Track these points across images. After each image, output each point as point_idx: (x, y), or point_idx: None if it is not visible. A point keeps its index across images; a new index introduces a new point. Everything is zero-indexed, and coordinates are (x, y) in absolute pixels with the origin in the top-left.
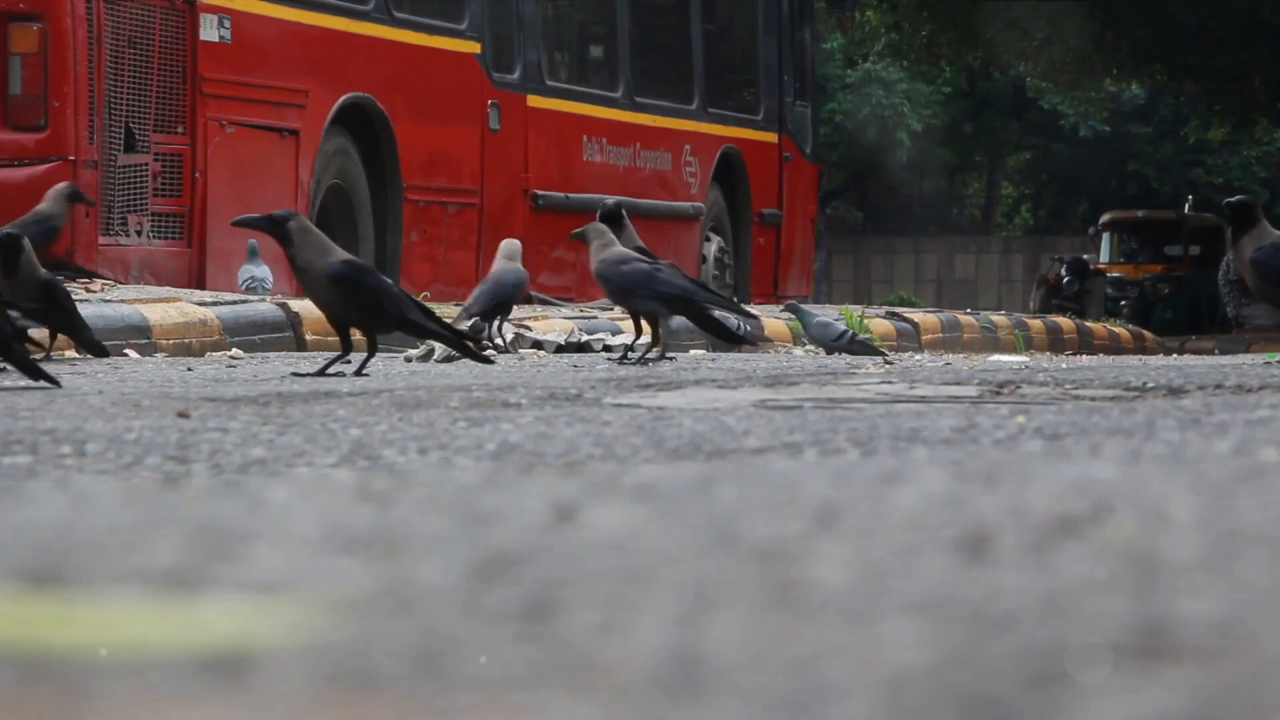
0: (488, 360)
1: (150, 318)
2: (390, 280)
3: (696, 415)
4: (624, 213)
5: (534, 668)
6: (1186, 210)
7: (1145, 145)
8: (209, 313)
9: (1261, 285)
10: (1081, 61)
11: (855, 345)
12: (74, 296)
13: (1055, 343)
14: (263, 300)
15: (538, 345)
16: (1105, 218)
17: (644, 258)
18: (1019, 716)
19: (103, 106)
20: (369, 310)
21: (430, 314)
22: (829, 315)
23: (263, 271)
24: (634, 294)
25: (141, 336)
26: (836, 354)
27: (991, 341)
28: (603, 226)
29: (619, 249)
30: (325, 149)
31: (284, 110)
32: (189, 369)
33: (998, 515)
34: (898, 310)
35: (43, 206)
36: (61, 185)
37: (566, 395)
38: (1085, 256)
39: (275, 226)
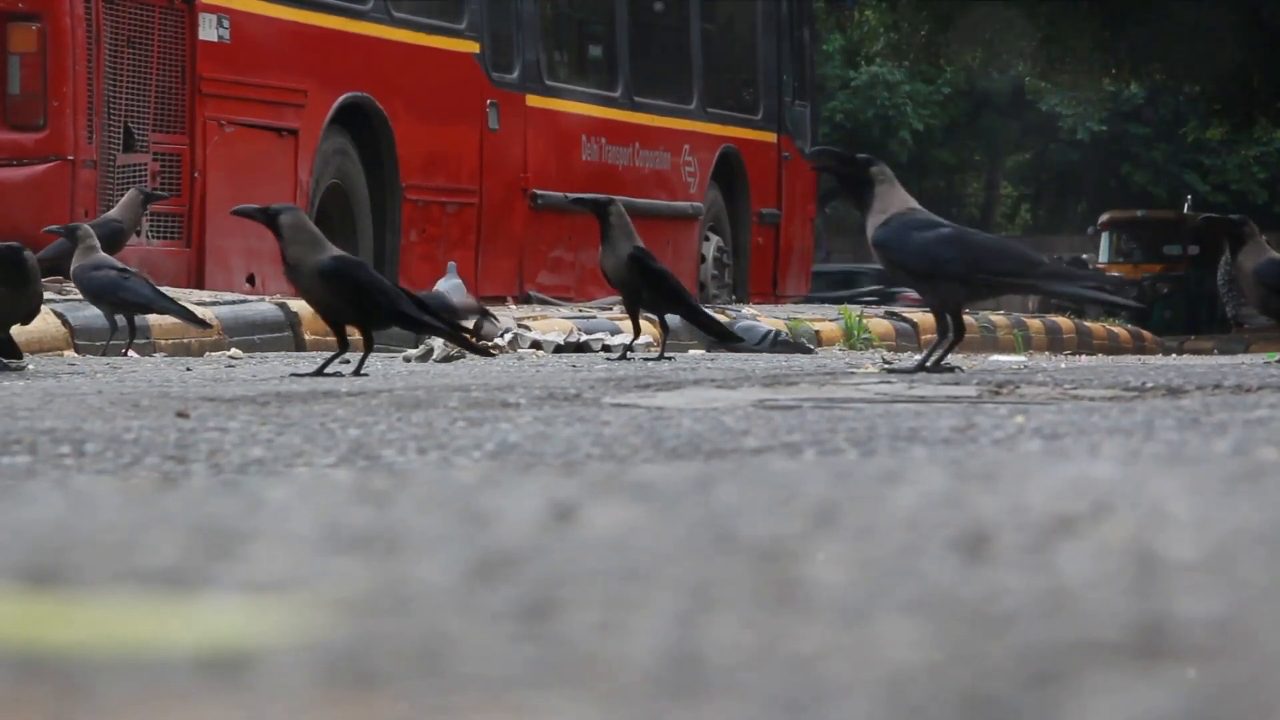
0: (486, 352)
1: (149, 317)
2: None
3: (695, 415)
4: (609, 208)
5: (533, 667)
6: (1186, 210)
7: (1142, 148)
8: (208, 312)
9: (1268, 297)
10: (1080, 61)
11: (779, 345)
12: (73, 296)
13: (1054, 342)
14: (261, 300)
15: (537, 345)
16: (1104, 217)
17: (115, 266)
18: (1018, 716)
19: (102, 106)
20: (363, 306)
21: (424, 306)
22: (749, 319)
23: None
24: (101, 298)
25: (140, 336)
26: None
27: (990, 341)
28: (89, 230)
29: (99, 256)
30: (324, 149)
31: (283, 110)
32: (188, 369)
33: (997, 515)
34: (896, 310)
35: (113, 211)
36: (132, 191)
37: (565, 395)
38: (1084, 256)
39: (268, 219)
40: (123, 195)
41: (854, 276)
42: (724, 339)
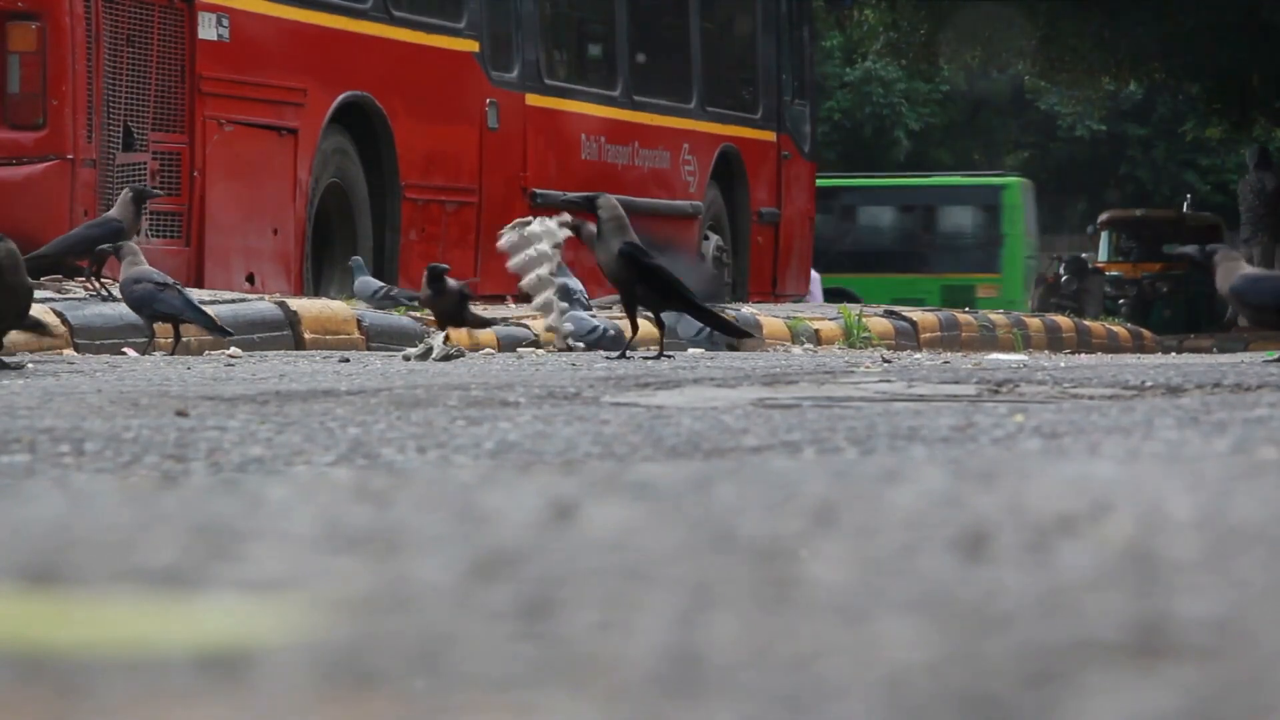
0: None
1: None
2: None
3: (695, 414)
4: (598, 202)
5: (532, 666)
6: (1185, 209)
7: (1140, 148)
8: (207, 311)
9: (1252, 314)
10: (1080, 60)
11: (715, 339)
12: (73, 295)
13: (1053, 341)
14: (261, 299)
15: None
16: (1104, 216)
17: (154, 279)
18: (1018, 715)
19: (101, 105)
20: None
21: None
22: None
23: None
24: (139, 309)
25: (140, 335)
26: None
27: (990, 340)
28: (135, 246)
29: (140, 269)
30: (324, 148)
31: (282, 109)
32: (187, 368)
33: (996, 514)
34: (896, 309)
35: (112, 211)
36: (126, 190)
37: (565, 394)
38: (1084, 255)
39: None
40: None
41: None
42: (731, 334)
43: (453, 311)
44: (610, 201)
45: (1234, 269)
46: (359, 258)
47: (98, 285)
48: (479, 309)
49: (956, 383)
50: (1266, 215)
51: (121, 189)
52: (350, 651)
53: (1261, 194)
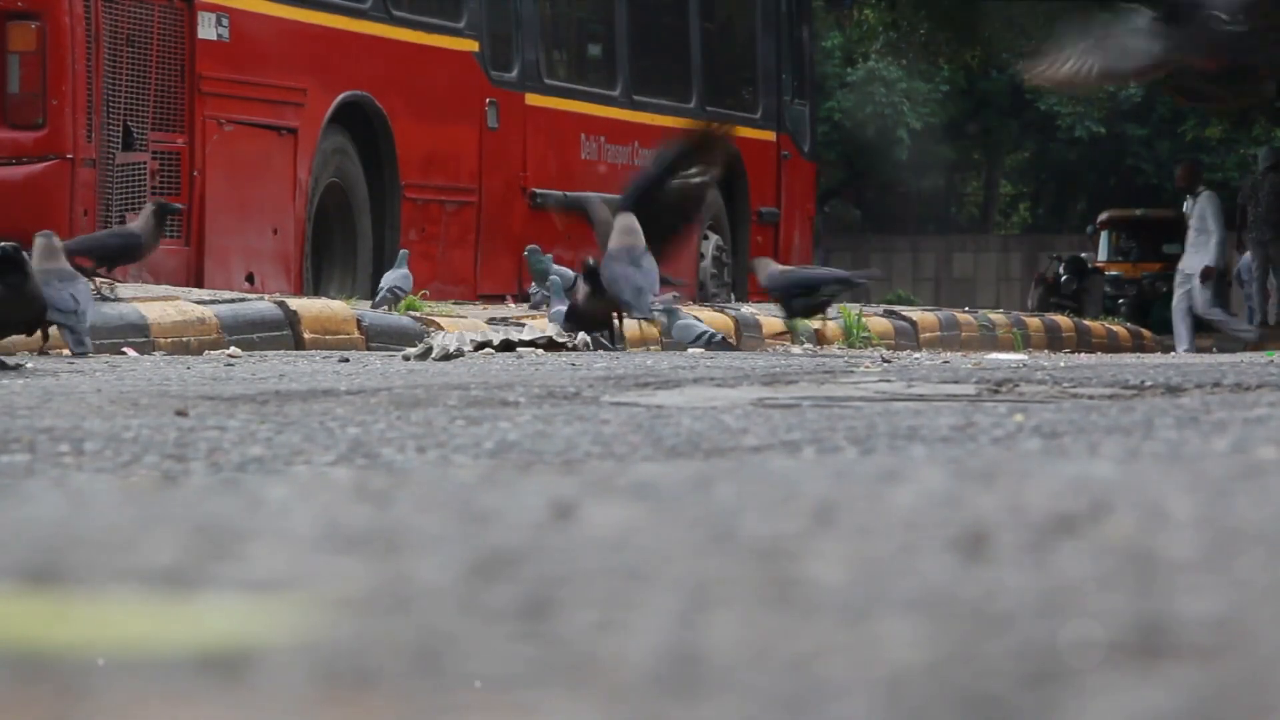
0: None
1: (148, 316)
2: None
3: (695, 414)
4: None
5: (532, 666)
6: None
7: (1141, 146)
8: (207, 311)
9: (780, 303)
10: None
11: (714, 344)
12: None
13: (1053, 341)
14: (260, 298)
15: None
16: (1103, 216)
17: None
18: (1018, 715)
19: (101, 105)
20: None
21: None
22: (692, 318)
23: (395, 277)
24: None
25: (139, 335)
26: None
27: (989, 340)
28: (50, 233)
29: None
30: (323, 147)
31: (282, 109)
32: (187, 367)
33: (996, 514)
34: (896, 308)
35: (134, 224)
36: (150, 204)
37: (564, 394)
38: (1083, 255)
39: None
40: (123, 195)
41: None
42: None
43: (605, 317)
44: (599, 214)
45: (765, 267)
46: (406, 251)
47: (97, 285)
48: (479, 308)
49: (956, 382)
50: None
51: (120, 189)
52: (350, 651)
53: None
